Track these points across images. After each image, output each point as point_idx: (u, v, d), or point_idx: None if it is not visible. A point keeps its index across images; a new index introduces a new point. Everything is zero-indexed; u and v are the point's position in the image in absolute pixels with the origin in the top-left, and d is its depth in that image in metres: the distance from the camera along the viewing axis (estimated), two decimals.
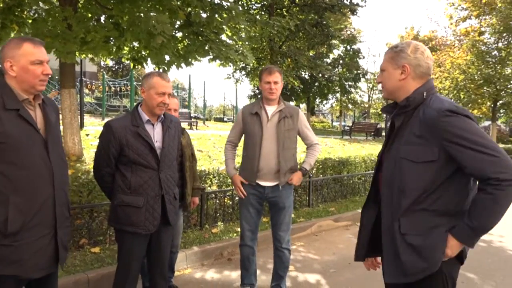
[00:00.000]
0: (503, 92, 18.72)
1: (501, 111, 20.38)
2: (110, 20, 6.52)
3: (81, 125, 11.86)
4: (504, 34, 18.51)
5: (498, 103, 19.34)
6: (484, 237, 5.75)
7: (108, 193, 2.86)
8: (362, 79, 38.78)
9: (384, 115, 37.61)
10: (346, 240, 5.66)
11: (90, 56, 6.89)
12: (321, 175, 7.23)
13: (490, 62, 18.82)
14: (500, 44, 18.94)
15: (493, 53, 18.96)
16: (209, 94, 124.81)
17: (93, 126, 14.16)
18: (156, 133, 2.76)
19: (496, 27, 18.18)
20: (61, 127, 7.49)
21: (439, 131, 1.73)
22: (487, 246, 5.45)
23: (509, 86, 18.79)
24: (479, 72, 18.38)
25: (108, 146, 2.66)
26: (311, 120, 41.52)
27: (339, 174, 7.63)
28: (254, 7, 18.98)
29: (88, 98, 30.61)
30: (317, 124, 43.72)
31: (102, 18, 6.80)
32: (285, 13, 18.85)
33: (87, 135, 10.20)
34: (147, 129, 2.71)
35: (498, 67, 18.51)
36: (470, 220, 1.69)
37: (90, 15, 6.45)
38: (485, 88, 18.70)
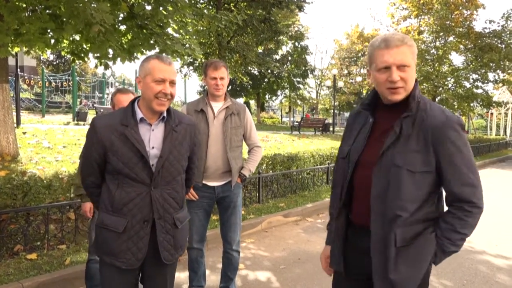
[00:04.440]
0: (440, 88, 19.77)
1: None
2: (47, 11, 6.12)
3: (18, 123, 11.20)
4: (441, 34, 19.54)
5: (436, 99, 20.37)
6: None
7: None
8: (310, 75, 39.63)
9: (332, 111, 38.58)
10: (296, 235, 5.70)
11: (25, 49, 6.44)
12: (270, 171, 7.24)
13: (429, 60, 19.80)
14: (437, 43, 19.96)
15: (431, 52, 19.94)
16: None
17: (31, 124, 13.40)
18: (153, 137, 2.09)
19: (433, 26, 19.14)
20: None
21: (442, 142, 1.65)
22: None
23: (446, 83, 19.88)
24: (418, 70, 19.29)
25: (91, 149, 2.07)
26: (261, 116, 41.82)
27: (289, 169, 7.68)
28: (201, 1, 18.71)
29: (27, 94, 28.93)
30: (267, 119, 44.07)
31: (39, 9, 6.38)
32: (233, 8, 18.75)
33: (24, 133, 9.63)
34: (140, 130, 2.06)
35: (436, 65, 19.54)
36: (445, 238, 1.70)
37: (24, 5, 6.02)
38: (424, 84, 19.64)
